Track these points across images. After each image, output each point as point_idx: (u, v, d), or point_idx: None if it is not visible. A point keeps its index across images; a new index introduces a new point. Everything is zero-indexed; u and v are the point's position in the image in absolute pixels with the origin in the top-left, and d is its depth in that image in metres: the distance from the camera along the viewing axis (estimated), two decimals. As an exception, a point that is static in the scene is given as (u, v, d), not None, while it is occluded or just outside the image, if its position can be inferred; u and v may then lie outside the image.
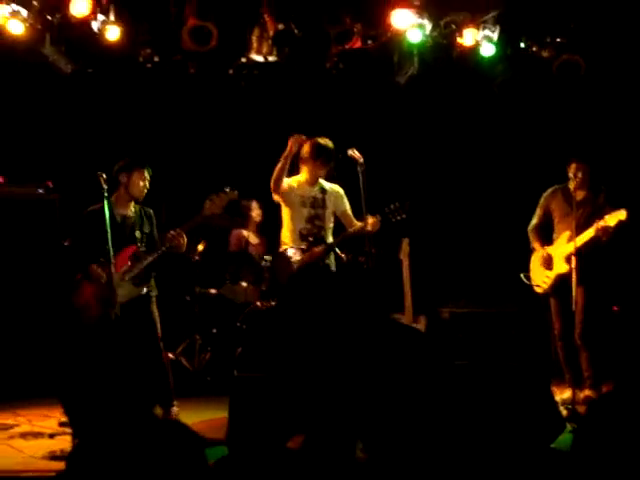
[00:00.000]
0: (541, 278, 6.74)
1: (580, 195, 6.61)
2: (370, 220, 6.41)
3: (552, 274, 6.65)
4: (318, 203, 6.68)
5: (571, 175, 6.55)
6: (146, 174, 6.07)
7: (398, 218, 6.51)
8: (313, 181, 6.70)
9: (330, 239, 6.69)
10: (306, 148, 6.62)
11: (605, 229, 6.35)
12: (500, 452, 3.49)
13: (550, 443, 4.53)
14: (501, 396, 4.73)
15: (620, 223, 6.31)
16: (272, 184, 6.61)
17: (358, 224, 6.64)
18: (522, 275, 6.86)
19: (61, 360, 5.73)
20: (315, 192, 6.70)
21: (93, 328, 5.77)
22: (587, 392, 6.52)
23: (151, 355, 5.78)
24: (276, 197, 6.70)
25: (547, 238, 6.81)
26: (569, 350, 6.67)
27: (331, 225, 6.76)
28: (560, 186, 6.76)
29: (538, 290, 6.81)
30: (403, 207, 6.48)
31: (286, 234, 6.69)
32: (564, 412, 5.71)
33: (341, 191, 6.83)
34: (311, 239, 6.53)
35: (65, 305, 6.04)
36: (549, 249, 6.72)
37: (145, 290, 6.00)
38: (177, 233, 5.88)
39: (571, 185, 6.53)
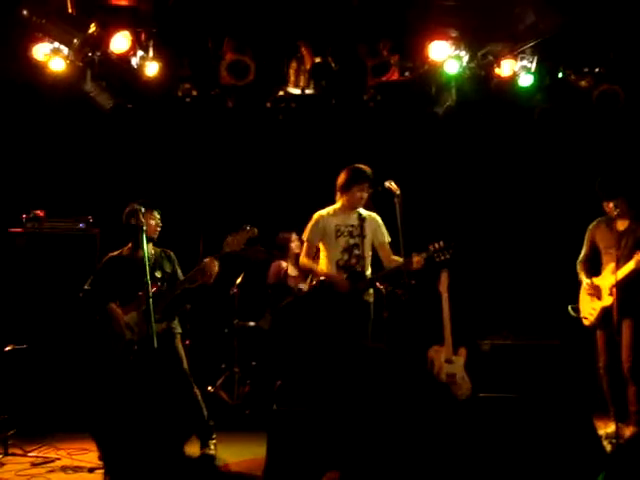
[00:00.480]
0: (588, 310, 6.65)
1: (623, 225, 6.52)
2: (416, 258, 6.30)
3: (598, 306, 6.55)
4: (356, 231, 6.50)
5: (607, 211, 6.50)
6: (156, 214, 6.23)
7: (442, 258, 6.41)
8: (352, 207, 6.55)
9: (369, 270, 6.59)
10: (343, 175, 6.56)
11: (646, 261, 6.24)
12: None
13: (593, 478, 4.44)
14: (543, 430, 4.65)
15: (662, 255, 6.20)
16: (300, 266, 6.80)
17: (396, 258, 6.54)
18: (570, 307, 6.78)
19: (92, 395, 5.76)
20: (353, 220, 6.54)
21: (121, 363, 5.82)
22: (633, 427, 6.38)
23: (180, 390, 5.78)
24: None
25: (597, 270, 6.71)
26: (614, 384, 6.54)
27: (370, 254, 6.57)
28: (604, 218, 6.70)
29: (585, 322, 6.71)
30: (448, 247, 6.37)
31: (323, 264, 6.61)
32: (608, 447, 5.60)
33: (379, 220, 6.68)
34: (348, 271, 6.46)
35: (96, 339, 6.11)
36: (596, 280, 6.62)
37: (166, 325, 6.03)
38: (209, 260, 5.95)
39: (612, 216, 6.47)
